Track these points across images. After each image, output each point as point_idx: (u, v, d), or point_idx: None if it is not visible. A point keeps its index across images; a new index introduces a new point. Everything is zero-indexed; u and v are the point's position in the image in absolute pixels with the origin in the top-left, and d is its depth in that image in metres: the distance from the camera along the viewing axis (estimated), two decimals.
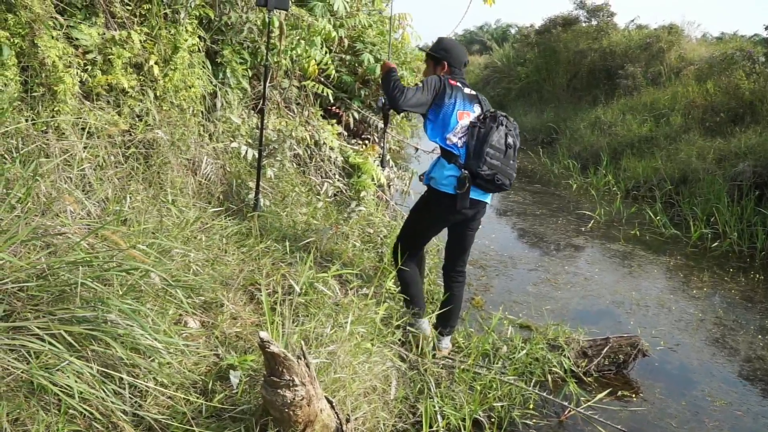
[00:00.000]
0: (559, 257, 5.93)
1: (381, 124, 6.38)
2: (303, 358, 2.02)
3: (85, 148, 3.03)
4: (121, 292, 2.14)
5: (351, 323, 2.78)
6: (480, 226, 3.48)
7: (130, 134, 3.44)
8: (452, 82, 3.23)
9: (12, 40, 2.88)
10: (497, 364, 3.39)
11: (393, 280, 3.73)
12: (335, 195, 5.44)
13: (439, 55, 3.35)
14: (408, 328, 3.39)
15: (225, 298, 2.88)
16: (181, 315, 2.58)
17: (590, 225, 6.97)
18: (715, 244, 6.24)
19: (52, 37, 3.01)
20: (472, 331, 3.81)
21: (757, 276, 5.40)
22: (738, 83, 9.08)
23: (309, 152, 5.36)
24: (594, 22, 15.86)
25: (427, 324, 3.48)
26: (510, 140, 3.18)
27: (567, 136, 12.25)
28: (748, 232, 6.21)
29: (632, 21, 16.14)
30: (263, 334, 1.88)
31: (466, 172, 3.12)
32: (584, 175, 9.72)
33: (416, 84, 3.20)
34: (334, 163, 5.62)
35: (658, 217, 6.93)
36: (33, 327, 1.80)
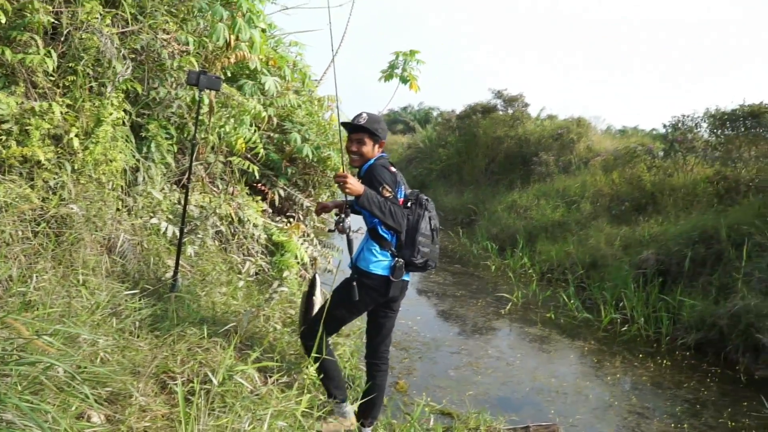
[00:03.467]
0: (480, 340, 6.00)
1: (301, 209, 6.39)
2: None
3: None
4: (20, 387, 1.96)
5: (271, 416, 2.65)
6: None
7: (42, 209, 3.26)
8: (392, 168, 3.18)
9: None
10: None
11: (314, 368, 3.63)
12: (257, 274, 5.33)
13: (380, 134, 3.18)
14: (331, 416, 3.26)
15: (134, 388, 2.69)
16: (84, 410, 2.38)
17: (508, 307, 7.13)
18: (624, 328, 6.50)
19: None
20: (395, 422, 3.73)
21: (664, 361, 5.64)
22: (640, 175, 9.79)
23: (232, 229, 5.26)
24: (510, 111, 16.88)
25: (350, 408, 3.37)
26: (434, 223, 3.25)
27: (485, 218, 12.68)
28: (654, 318, 6.53)
29: (542, 110, 17.41)
30: None
31: (401, 260, 3.15)
32: (502, 256, 10.03)
33: (382, 189, 2.96)
34: (258, 240, 5.53)
35: (571, 301, 7.19)
36: None
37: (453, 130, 18.59)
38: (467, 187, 15.78)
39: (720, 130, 9.68)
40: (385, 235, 3.15)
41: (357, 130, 3.17)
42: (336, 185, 2.90)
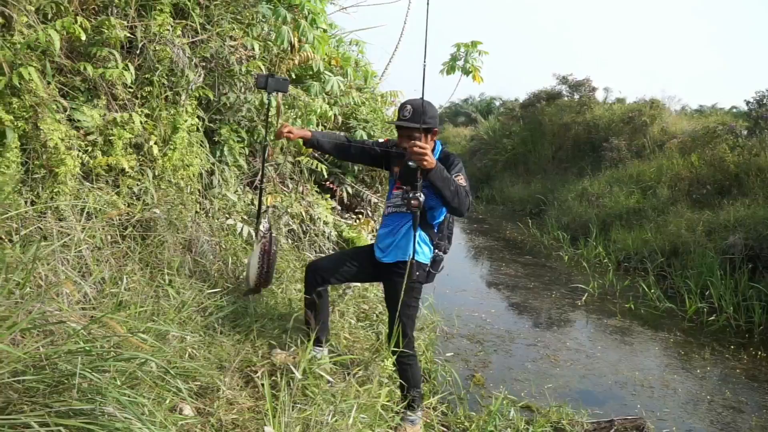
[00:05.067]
0: (557, 332, 5.87)
1: (376, 201, 6.44)
2: None
3: (83, 229, 3.00)
4: (119, 382, 2.07)
5: (354, 410, 2.69)
6: None
7: (128, 214, 3.43)
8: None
9: (16, 124, 2.91)
10: None
11: (391, 361, 3.64)
12: None
13: (431, 123, 3.01)
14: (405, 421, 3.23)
15: (221, 382, 2.79)
16: (176, 403, 2.49)
17: (584, 298, 6.94)
18: (712, 318, 6.20)
19: (56, 120, 3.04)
20: (473, 414, 3.70)
21: (758, 353, 5.34)
22: (722, 156, 9.30)
23: (303, 227, 5.36)
24: (576, 97, 16.42)
25: (420, 415, 3.33)
26: None
27: (555, 207, 12.40)
28: (744, 307, 6.19)
29: (608, 92, 16.80)
30: (269, 430, 1.81)
31: (441, 253, 3.14)
32: (574, 246, 9.77)
33: (457, 176, 2.87)
34: (328, 237, 5.61)
35: (652, 290, 6.92)
36: (32, 422, 1.72)
37: (517, 119, 18.28)
38: (534, 177, 15.47)
39: None
40: (434, 225, 3.10)
41: (406, 126, 3.00)
42: (412, 155, 2.70)
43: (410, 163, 2.74)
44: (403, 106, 3.04)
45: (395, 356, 3.16)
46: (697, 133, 10.96)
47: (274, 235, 3.35)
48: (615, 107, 15.27)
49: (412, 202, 2.77)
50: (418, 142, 2.68)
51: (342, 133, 3.63)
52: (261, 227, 3.33)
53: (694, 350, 5.45)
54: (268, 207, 3.35)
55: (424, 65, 2.89)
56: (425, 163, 2.66)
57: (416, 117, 2.95)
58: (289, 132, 3.20)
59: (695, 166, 9.87)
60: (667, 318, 6.36)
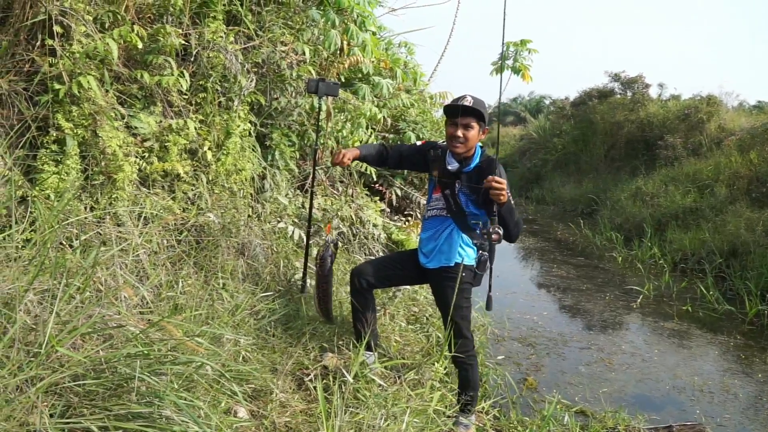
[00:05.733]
0: (611, 335, 5.71)
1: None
2: None
3: (140, 234, 3.09)
4: (176, 385, 2.11)
5: (405, 413, 2.67)
6: None
7: (183, 219, 3.51)
8: None
9: (75, 131, 3.02)
10: None
11: (442, 364, 3.62)
12: None
13: (487, 118, 3.01)
14: (458, 425, 3.20)
15: (274, 385, 2.82)
16: (231, 405, 2.53)
17: (639, 300, 6.74)
18: None
19: (114, 128, 3.13)
20: (527, 419, 3.64)
21: None
22: None
23: (353, 230, 5.38)
24: (629, 94, 15.97)
25: (474, 419, 3.30)
26: None
27: (608, 207, 12.08)
28: None
29: (660, 85, 16.30)
30: None
31: (486, 254, 3.11)
32: (628, 247, 9.49)
33: (510, 198, 2.78)
34: (378, 240, 5.62)
35: (710, 292, 6.66)
36: (92, 427, 1.77)
37: (567, 118, 17.91)
38: (586, 177, 15.12)
39: None
40: (475, 228, 3.07)
41: (465, 113, 2.94)
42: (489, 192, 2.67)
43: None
44: (462, 96, 3.01)
45: (455, 358, 3.15)
46: (756, 129, 10.50)
47: (331, 265, 3.38)
48: (670, 104, 14.77)
49: (493, 236, 2.72)
50: (496, 177, 2.65)
51: (379, 142, 3.66)
52: (318, 256, 3.38)
53: (756, 354, 5.22)
54: (328, 236, 3.44)
55: (501, 72, 2.90)
56: (502, 198, 2.64)
57: (476, 107, 2.95)
58: (348, 158, 3.22)
59: (755, 164, 9.45)
60: (726, 321, 6.11)
